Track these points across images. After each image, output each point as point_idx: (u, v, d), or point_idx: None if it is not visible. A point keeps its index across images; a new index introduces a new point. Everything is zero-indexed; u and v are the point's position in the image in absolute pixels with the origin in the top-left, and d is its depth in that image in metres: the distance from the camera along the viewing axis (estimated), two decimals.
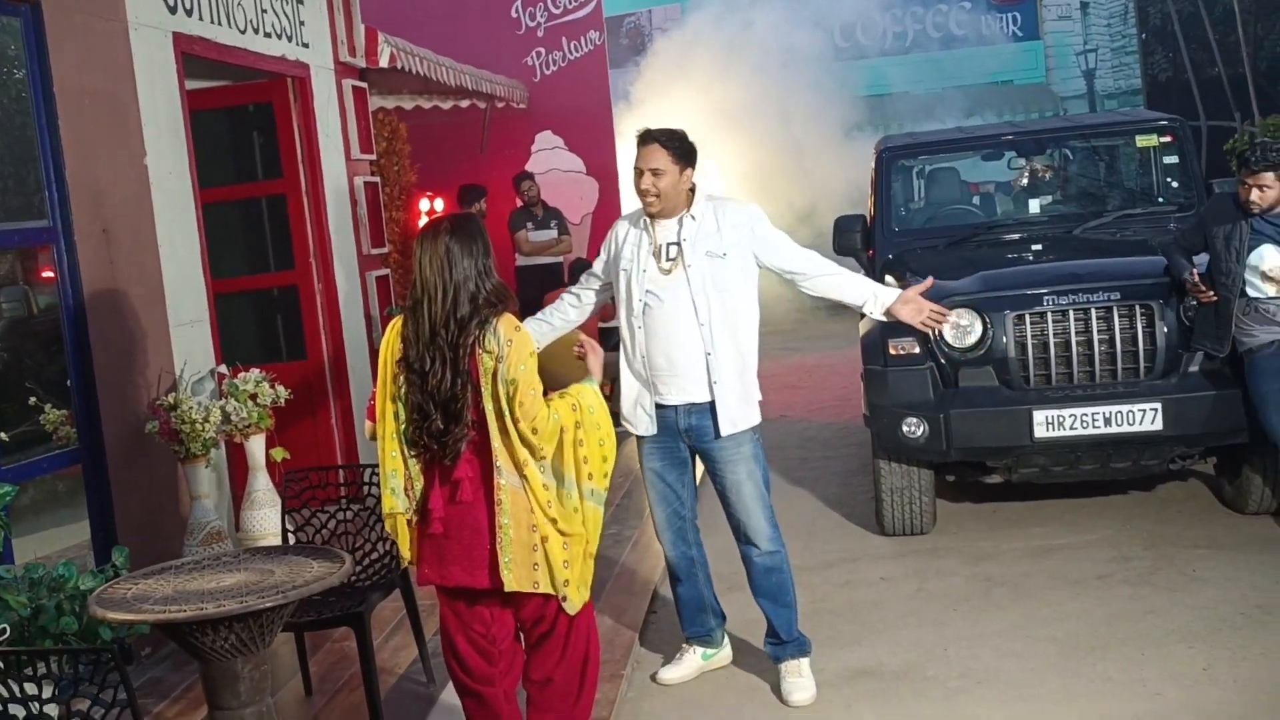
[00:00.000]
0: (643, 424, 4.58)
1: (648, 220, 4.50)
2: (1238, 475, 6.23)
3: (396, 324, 3.62)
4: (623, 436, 8.17)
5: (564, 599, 3.61)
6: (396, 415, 3.59)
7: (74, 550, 5.37)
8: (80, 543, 5.36)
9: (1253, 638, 4.77)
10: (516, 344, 3.49)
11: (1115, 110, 18.25)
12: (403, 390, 3.56)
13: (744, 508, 4.54)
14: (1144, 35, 20.57)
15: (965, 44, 20.18)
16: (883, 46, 20.50)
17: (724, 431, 4.44)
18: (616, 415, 7.75)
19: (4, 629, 3.78)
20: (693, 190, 4.48)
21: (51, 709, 2.97)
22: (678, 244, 4.43)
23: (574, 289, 4.80)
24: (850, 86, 18.39)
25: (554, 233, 11.27)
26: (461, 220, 3.64)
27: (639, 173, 4.41)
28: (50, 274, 5.67)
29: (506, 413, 3.46)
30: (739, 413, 4.46)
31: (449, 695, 4.61)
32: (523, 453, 3.51)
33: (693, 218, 4.45)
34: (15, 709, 2.91)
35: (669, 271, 4.42)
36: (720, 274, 4.40)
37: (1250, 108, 16.64)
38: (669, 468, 4.61)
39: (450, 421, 3.48)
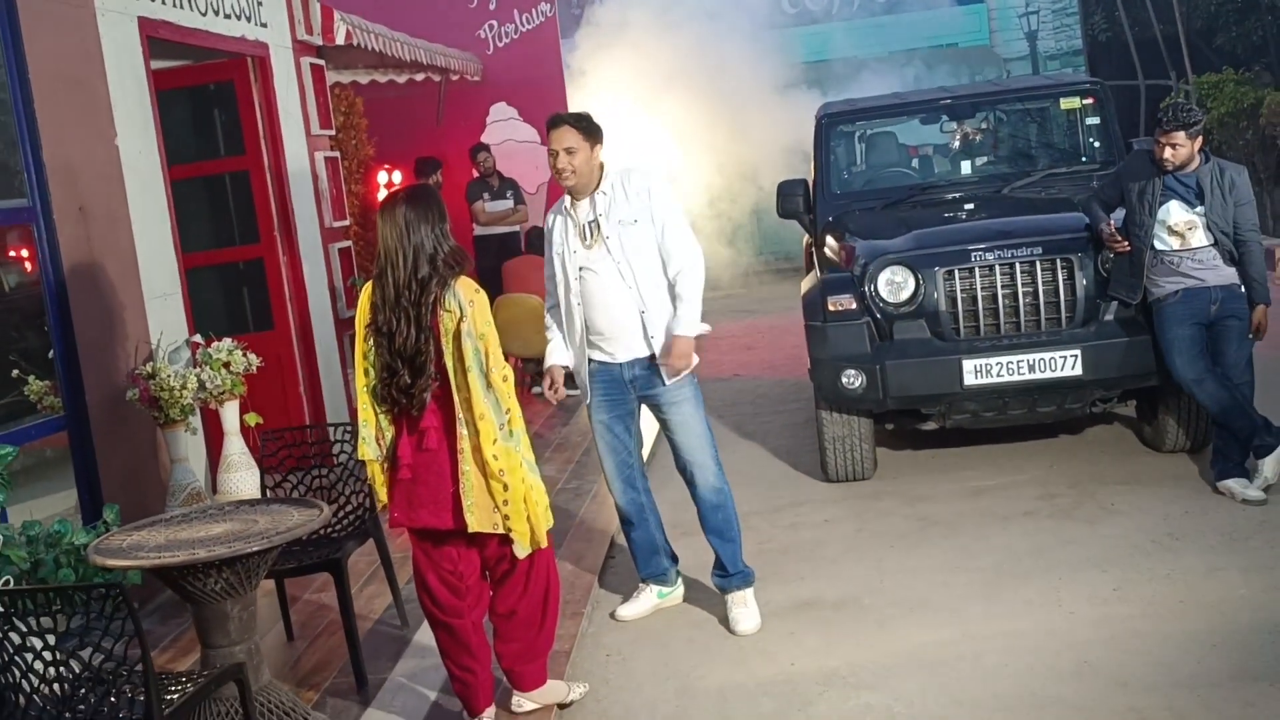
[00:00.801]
0: (584, 388, 4.99)
1: (568, 206, 4.90)
2: (1155, 417, 6.65)
3: (368, 289, 3.97)
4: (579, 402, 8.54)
5: (511, 537, 3.92)
6: (367, 373, 3.95)
7: (60, 515, 5.66)
8: (65, 509, 5.65)
9: (1161, 561, 5.19)
10: (479, 304, 3.85)
11: (1042, 74, 18.64)
12: (372, 351, 3.92)
13: (690, 446, 4.93)
14: None
15: (910, 8, 20.50)
16: (830, 11, 20.79)
17: (668, 380, 4.84)
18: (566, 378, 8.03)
19: (7, 579, 4.09)
20: (602, 167, 4.87)
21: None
22: (595, 220, 4.83)
23: (549, 293, 5.10)
24: (797, 51, 18.72)
25: (510, 203, 11.55)
26: (417, 191, 4.01)
27: (554, 154, 4.79)
28: (19, 253, 5.95)
29: (473, 367, 3.80)
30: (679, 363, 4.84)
31: (422, 636, 4.97)
32: (481, 405, 3.84)
33: (603, 193, 4.84)
34: (34, 641, 3.22)
35: (592, 247, 4.82)
36: (636, 239, 4.80)
37: (1184, 66, 17.08)
38: (616, 420, 4.99)
39: (416, 375, 3.83)
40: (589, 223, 4.84)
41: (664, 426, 5.01)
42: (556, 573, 4.25)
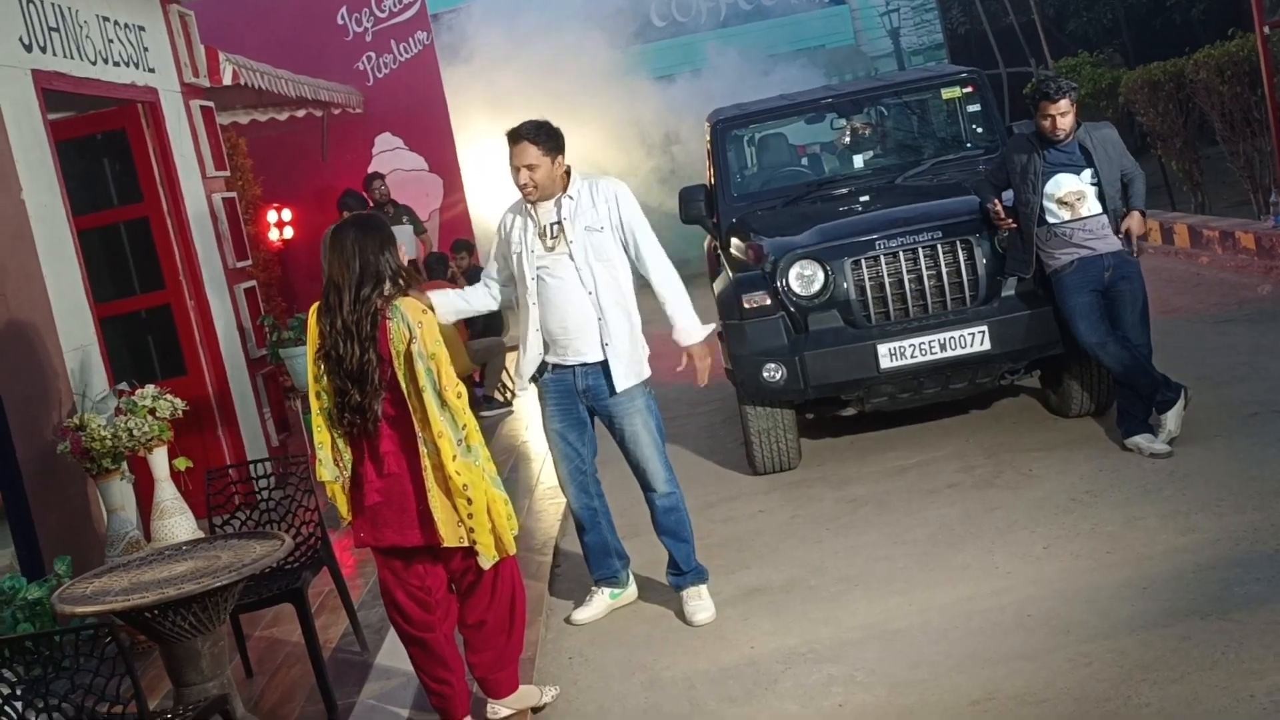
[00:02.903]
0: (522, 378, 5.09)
1: (529, 206, 4.94)
2: (1060, 385, 6.97)
3: (314, 316, 4.03)
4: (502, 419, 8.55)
5: (477, 549, 4.01)
6: (319, 395, 4.03)
7: None
8: (1, 568, 5.57)
9: (1083, 518, 5.47)
10: (426, 324, 3.94)
11: (921, 66, 19.22)
12: (324, 376, 3.99)
13: (642, 455, 5.05)
14: None
15: (775, 14, 20.98)
16: (699, 23, 21.17)
17: (618, 388, 4.95)
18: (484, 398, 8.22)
19: None
20: (568, 173, 4.94)
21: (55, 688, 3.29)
22: (559, 222, 4.89)
23: (485, 279, 5.21)
24: (672, 64, 19.05)
25: (409, 228, 11.56)
26: (364, 218, 4.16)
27: (515, 169, 4.84)
28: None
29: (426, 387, 3.88)
30: (630, 369, 4.97)
31: (384, 659, 5.03)
32: (438, 424, 3.92)
33: (570, 197, 4.91)
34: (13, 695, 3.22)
35: (553, 249, 4.88)
36: (600, 245, 4.90)
37: (1043, 52, 17.77)
38: (569, 428, 5.08)
39: (364, 393, 3.91)
40: (551, 224, 4.91)
41: (616, 435, 5.09)
42: (521, 579, 4.35)
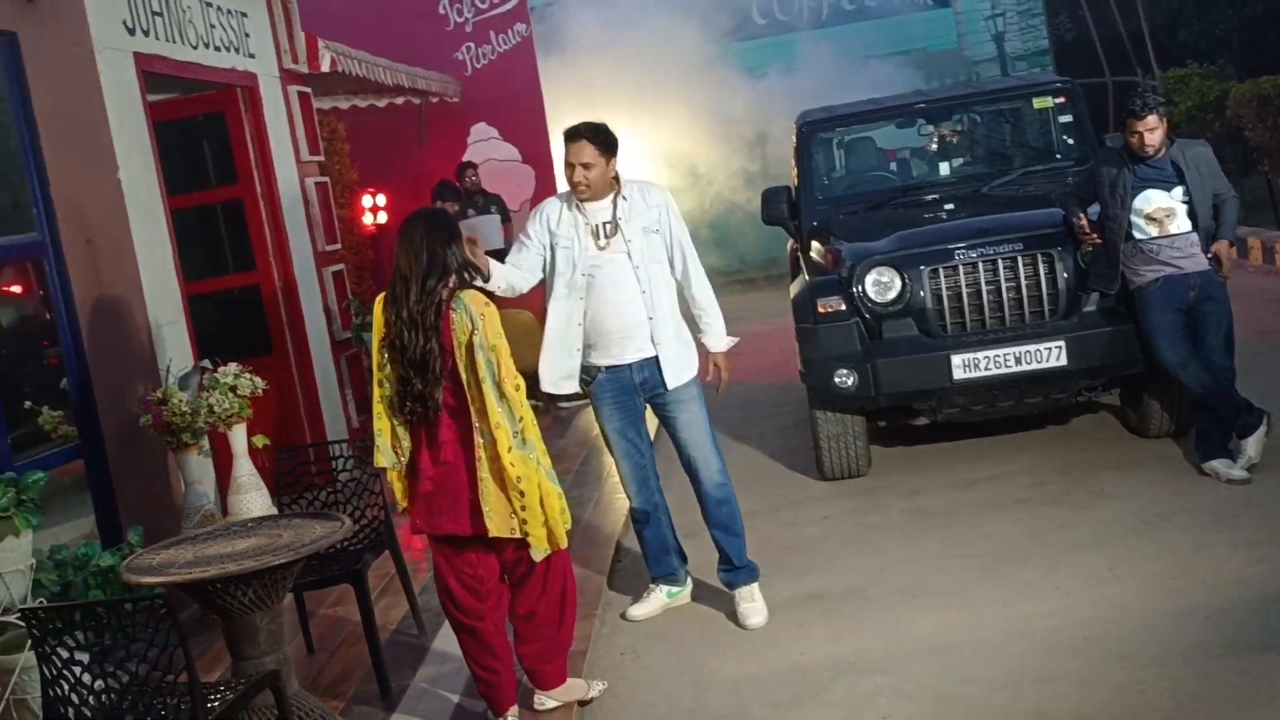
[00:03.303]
0: (568, 386, 5.09)
1: (579, 203, 5.00)
2: (1140, 403, 6.84)
3: (380, 306, 4.13)
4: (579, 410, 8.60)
5: (529, 541, 4.07)
6: (382, 384, 4.14)
7: (77, 541, 5.77)
8: (79, 536, 5.76)
9: (1151, 541, 5.37)
10: (489, 317, 4.01)
11: (1020, 74, 18.94)
12: (388, 364, 4.08)
13: (695, 443, 5.10)
14: None
15: (877, 14, 20.79)
16: (800, 21, 21.05)
17: (670, 385, 5.02)
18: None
19: (41, 601, 4.22)
20: (617, 177, 5.02)
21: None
22: (613, 222, 4.96)
23: (514, 258, 5.12)
24: (765, 61, 18.99)
25: (496, 217, 11.67)
26: (433, 212, 4.24)
27: (570, 166, 4.93)
28: (31, 285, 6.08)
29: (486, 378, 3.96)
30: (682, 366, 5.05)
31: (440, 643, 5.12)
32: (496, 415, 3.99)
33: (625, 198, 4.99)
34: (81, 655, 3.35)
35: (605, 248, 4.95)
36: (655, 247, 4.99)
37: (1150, 62, 17.37)
38: (628, 425, 5.13)
39: (426, 381, 3.99)
40: (604, 223, 4.97)
41: (669, 425, 5.15)
42: (573, 573, 4.40)
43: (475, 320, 4.00)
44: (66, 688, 3.41)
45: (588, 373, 5.08)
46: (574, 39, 16.83)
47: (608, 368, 5.05)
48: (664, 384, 5.02)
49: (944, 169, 8.35)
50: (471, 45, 13.70)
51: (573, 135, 4.93)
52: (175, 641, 3.33)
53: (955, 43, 21.27)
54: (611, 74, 15.71)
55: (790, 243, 8.72)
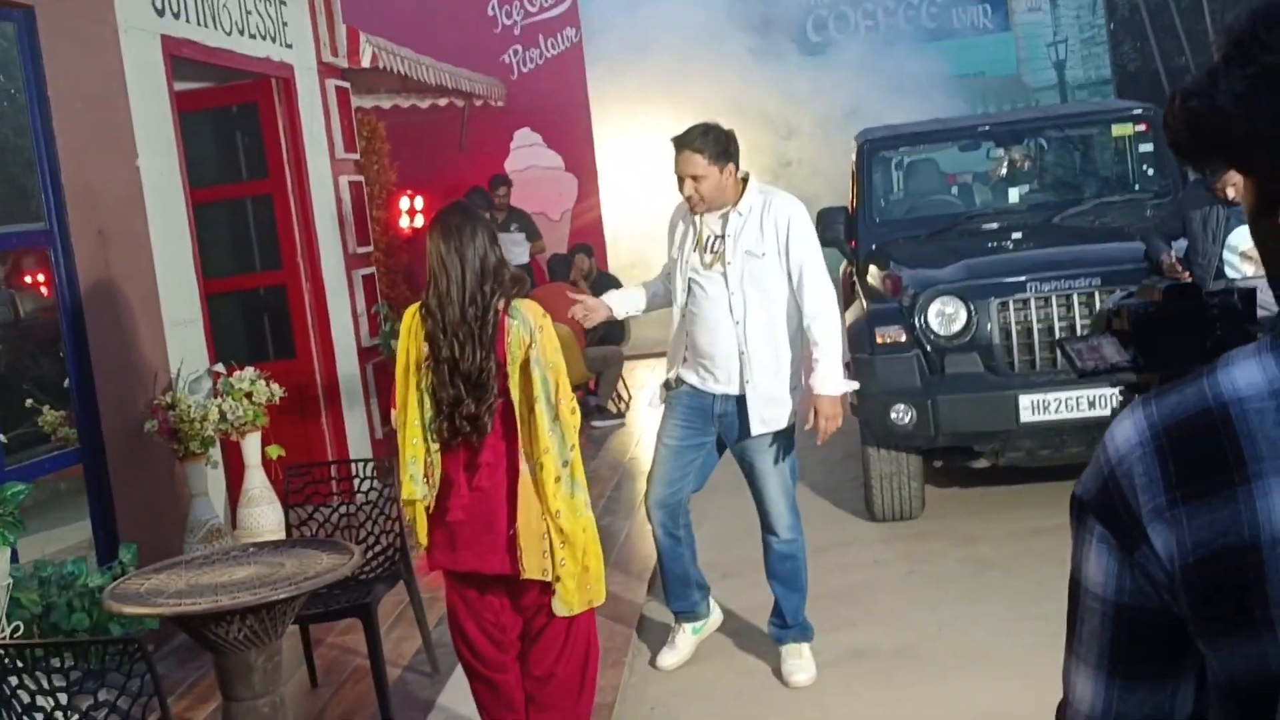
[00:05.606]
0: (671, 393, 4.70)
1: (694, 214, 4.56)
2: None
3: (412, 313, 3.66)
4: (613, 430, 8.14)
5: (555, 588, 3.59)
6: (420, 403, 3.61)
7: (73, 550, 5.40)
8: (79, 542, 5.40)
9: None
10: (547, 329, 3.55)
11: (1090, 100, 18.41)
12: (429, 382, 3.58)
13: (768, 496, 4.62)
14: (1112, 26, 20.74)
15: (938, 36, 20.30)
16: (856, 40, 20.57)
17: (754, 431, 4.51)
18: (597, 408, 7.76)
19: (17, 625, 3.83)
20: (745, 180, 4.51)
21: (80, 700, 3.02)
22: (721, 238, 4.47)
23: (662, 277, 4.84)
24: (824, 79, 18.52)
25: (520, 235, 11.28)
26: (470, 208, 3.73)
27: (680, 180, 4.43)
28: (35, 278, 5.71)
29: (540, 397, 3.48)
30: (769, 413, 4.50)
31: (454, 684, 4.68)
32: (546, 439, 3.51)
33: (739, 214, 4.46)
34: (43, 700, 2.95)
35: (710, 265, 4.49)
36: (759, 273, 4.43)
37: None
38: (687, 448, 4.66)
39: (480, 400, 3.51)
40: (713, 237, 4.50)
41: (744, 469, 4.68)
42: (596, 635, 3.88)
43: (534, 333, 3.51)
44: None
45: (673, 383, 4.66)
46: (621, 47, 16.44)
47: (693, 387, 4.61)
48: (745, 431, 4.52)
49: (1012, 196, 7.88)
50: (519, 48, 13.37)
51: (678, 145, 4.42)
52: (150, 690, 2.93)
53: (1015, 69, 20.73)
54: (656, 85, 15.33)
55: (844, 265, 8.28)
